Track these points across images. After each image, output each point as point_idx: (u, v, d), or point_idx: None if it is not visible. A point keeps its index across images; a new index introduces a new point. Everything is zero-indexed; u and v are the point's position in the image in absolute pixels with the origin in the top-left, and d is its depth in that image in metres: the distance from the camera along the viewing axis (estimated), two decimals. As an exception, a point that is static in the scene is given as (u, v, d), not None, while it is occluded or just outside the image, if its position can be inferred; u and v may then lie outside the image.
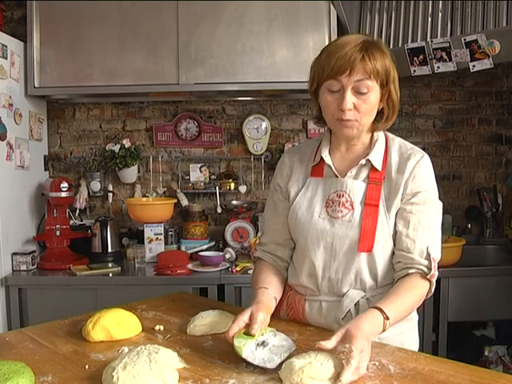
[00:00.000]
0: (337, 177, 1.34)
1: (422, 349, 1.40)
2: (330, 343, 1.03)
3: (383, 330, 1.15)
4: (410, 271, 1.27)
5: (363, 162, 1.31)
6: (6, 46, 2.48)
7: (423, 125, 3.09)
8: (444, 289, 2.43)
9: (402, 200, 1.29)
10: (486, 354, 2.63)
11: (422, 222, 1.28)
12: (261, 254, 1.47)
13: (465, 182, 3.11)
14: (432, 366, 1.07)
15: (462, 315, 2.48)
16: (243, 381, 1.02)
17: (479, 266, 2.57)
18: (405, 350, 1.18)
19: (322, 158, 1.36)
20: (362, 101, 1.23)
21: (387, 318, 1.15)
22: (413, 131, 3.08)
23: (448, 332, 2.47)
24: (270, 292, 1.34)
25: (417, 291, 1.26)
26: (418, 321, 1.43)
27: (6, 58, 2.49)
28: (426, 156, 1.33)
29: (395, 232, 1.30)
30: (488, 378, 1.01)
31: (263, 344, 1.13)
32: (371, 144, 1.34)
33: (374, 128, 1.33)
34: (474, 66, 2.29)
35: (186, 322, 1.35)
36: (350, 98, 1.22)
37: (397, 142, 1.36)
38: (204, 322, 1.31)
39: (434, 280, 1.27)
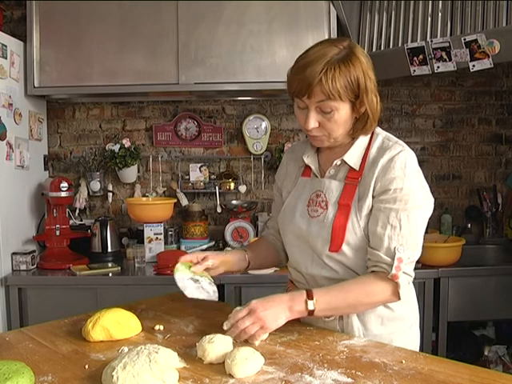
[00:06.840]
0: (317, 177, 1.37)
1: (421, 349, 1.40)
2: (225, 325, 1.21)
3: (308, 311, 1.20)
4: (374, 269, 1.25)
5: (338, 162, 1.32)
6: (5, 46, 2.48)
7: (423, 125, 3.09)
8: (444, 289, 2.43)
9: (373, 198, 1.26)
10: (486, 353, 2.64)
11: (391, 219, 1.22)
12: (266, 233, 1.60)
13: (465, 182, 3.11)
14: (432, 365, 1.07)
15: (461, 315, 2.48)
16: (243, 381, 1.02)
17: (479, 266, 2.57)
18: (405, 350, 1.17)
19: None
20: (326, 119, 1.23)
21: (311, 298, 1.20)
22: (413, 131, 3.08)
23: (448, 332, 2.47)
24: (246, 255, 1.47)
25: (368, 287, 1.24)
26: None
27: (6, 58, 2.48)
28: (407, 151, 1.25)
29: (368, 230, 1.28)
30: (488, 378, 1.01)
31: (196, 281, 1.33)
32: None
33: (353, 135, 1.30)
34: (473, 65, 2.29)
35: (186, 322, 1.35)
36: (312, 118, 1.24)
37: (380, 137, 1.32)
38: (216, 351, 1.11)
39: (399, 281, 1.21)
